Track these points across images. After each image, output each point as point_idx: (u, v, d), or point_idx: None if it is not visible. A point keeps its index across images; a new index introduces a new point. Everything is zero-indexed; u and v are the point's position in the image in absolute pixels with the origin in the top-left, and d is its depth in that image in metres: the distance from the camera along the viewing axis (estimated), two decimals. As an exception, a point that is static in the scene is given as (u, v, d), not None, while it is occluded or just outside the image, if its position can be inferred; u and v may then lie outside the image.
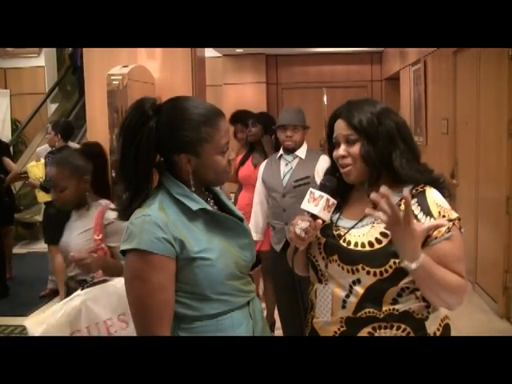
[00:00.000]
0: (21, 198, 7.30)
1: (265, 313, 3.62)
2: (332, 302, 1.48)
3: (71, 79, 9.43)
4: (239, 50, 8.41)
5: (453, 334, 1.54)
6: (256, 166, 3.67)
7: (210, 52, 7.47)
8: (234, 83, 8.87)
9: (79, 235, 2.26)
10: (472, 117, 4.61)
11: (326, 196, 1.46)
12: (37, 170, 4.98)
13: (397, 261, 1.36)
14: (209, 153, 1.41)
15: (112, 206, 2.27)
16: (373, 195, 1.30)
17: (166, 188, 1.42)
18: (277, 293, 3.32)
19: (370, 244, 1.42)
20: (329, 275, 1.50)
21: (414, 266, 1.31)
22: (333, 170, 1.57)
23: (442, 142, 5.51)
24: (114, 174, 2.76)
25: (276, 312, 3.54)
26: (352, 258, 1.44)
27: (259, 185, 3.29)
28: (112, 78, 3.75)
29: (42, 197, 4.95)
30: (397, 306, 1.43)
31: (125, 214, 1.42)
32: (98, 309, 1.87)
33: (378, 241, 1.42)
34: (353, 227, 1.49)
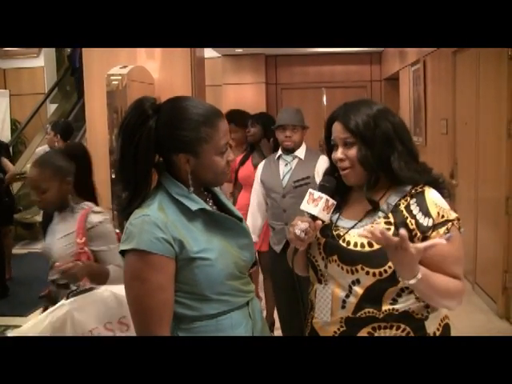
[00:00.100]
0: (20, 198, 7.29)
1: (264, 313, 3.62)
2: (332, 302, 1.48)
3: (71, 79, 9.42)
4: (238, 50, 8.41)
5: (452, 334, 1.55)
6: (256, 167, 3.66)
7: (209, 52, 7.47)
8: (233, 83, 8.86)
9: (61, 239, 2.20)
10: (471, 117, 4.61)
11: (325, 197, 1.46)
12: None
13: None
14: (208, 153, 1.41)
15: (96, 208, 2.24)
16: (364, 233, 1.31)
17: (165, 188, 1.42)
18: (276, 293, 3.31)
19: (370, 244, 1.42)
20: (328, 275, 1.50)
21: (412, 282, 1.33)
22: (332, 171, 1.57)
23: (441, 142, 5.51)
24: (114, 175, 2.75)
25: (275, 312, 3.54)
26: (351, 259, 1.44)
27: (257, 185, 3.27)
28: (111, 78, 3.75)
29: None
30: (396, 306, 1.43)
31: (124, 213, 1.42)
32: (83, 318, 1.82)
33: (378, 241, 1.42)
34: (352, 227, 1.49)
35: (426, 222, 1.41)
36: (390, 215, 1.44)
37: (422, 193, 1.45)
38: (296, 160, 3.12)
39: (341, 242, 1.48)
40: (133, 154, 1.38)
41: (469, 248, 4.50)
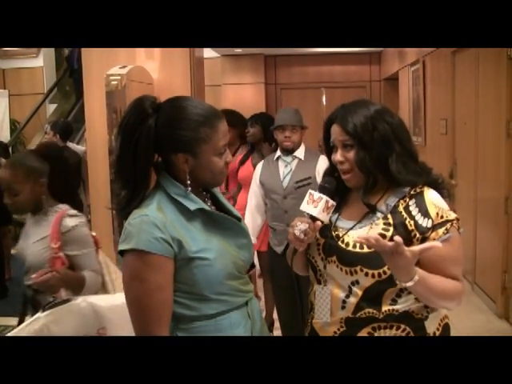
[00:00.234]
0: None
1: (264, 313, 3.62)
2: (331, 303, 1.48)
3: (70, 80, 9.41)
4: (238, 51, 8.40)
5: (452, 334, 1.55)
6: (256, 167, 3.66)
7: (208, 52, 7.46)
8: (232, 83, 8.86)
9: (35, 243, 2.11)
10: (471, 117, 4.62)
11: (325, 198, 1.46)
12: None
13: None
14: (206, 153, 1.41)
15: (71, 211, 2.13)
16: (358, 239, 1.31)
17: (164, 188, 1.42)
18: (276, 293, 3.30)
19: (368, 245, 1.42)
20: (328, 276, 1.50)
21: (409, 284, 1.33)
22: (331, 171, 1.57)
23: (440, 143, 5.51)
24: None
25: (275, 312, 3.54)
26: (350, 260, 1.44)
27: (256, 187, 3.23)
28: (111, 78, 3.74)
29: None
30: (396, 307, 1.43)
31: (123, 213, 1.41)
32: (60, 331, 1.72)
33: (377, 241, 1.42)
34: (351, 228, 1.49)
35: (425, 222, 1.41)
36: (389, 216, 1.44)
37: (421, 193, 1.45)
38: (296, 161, 3.11)
39: (340, 242, 1.48)
40: (132, 152, 1.38)
41: (468, 248, 4.50)
